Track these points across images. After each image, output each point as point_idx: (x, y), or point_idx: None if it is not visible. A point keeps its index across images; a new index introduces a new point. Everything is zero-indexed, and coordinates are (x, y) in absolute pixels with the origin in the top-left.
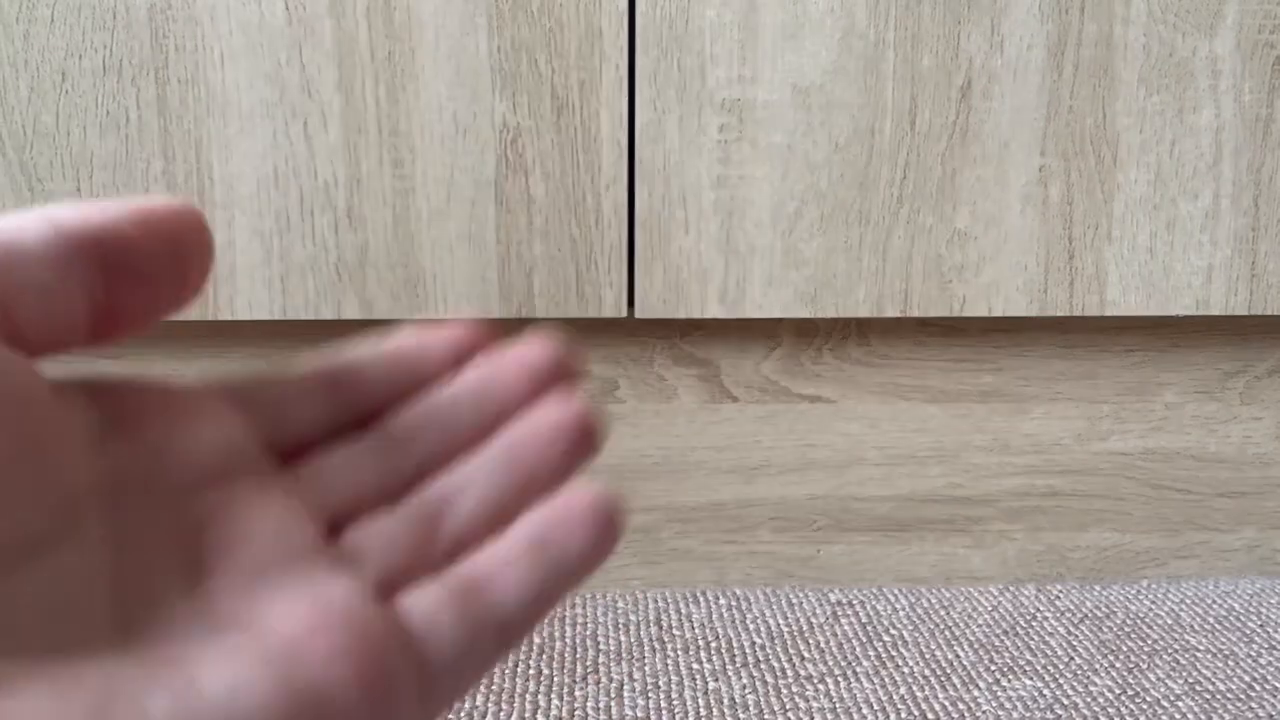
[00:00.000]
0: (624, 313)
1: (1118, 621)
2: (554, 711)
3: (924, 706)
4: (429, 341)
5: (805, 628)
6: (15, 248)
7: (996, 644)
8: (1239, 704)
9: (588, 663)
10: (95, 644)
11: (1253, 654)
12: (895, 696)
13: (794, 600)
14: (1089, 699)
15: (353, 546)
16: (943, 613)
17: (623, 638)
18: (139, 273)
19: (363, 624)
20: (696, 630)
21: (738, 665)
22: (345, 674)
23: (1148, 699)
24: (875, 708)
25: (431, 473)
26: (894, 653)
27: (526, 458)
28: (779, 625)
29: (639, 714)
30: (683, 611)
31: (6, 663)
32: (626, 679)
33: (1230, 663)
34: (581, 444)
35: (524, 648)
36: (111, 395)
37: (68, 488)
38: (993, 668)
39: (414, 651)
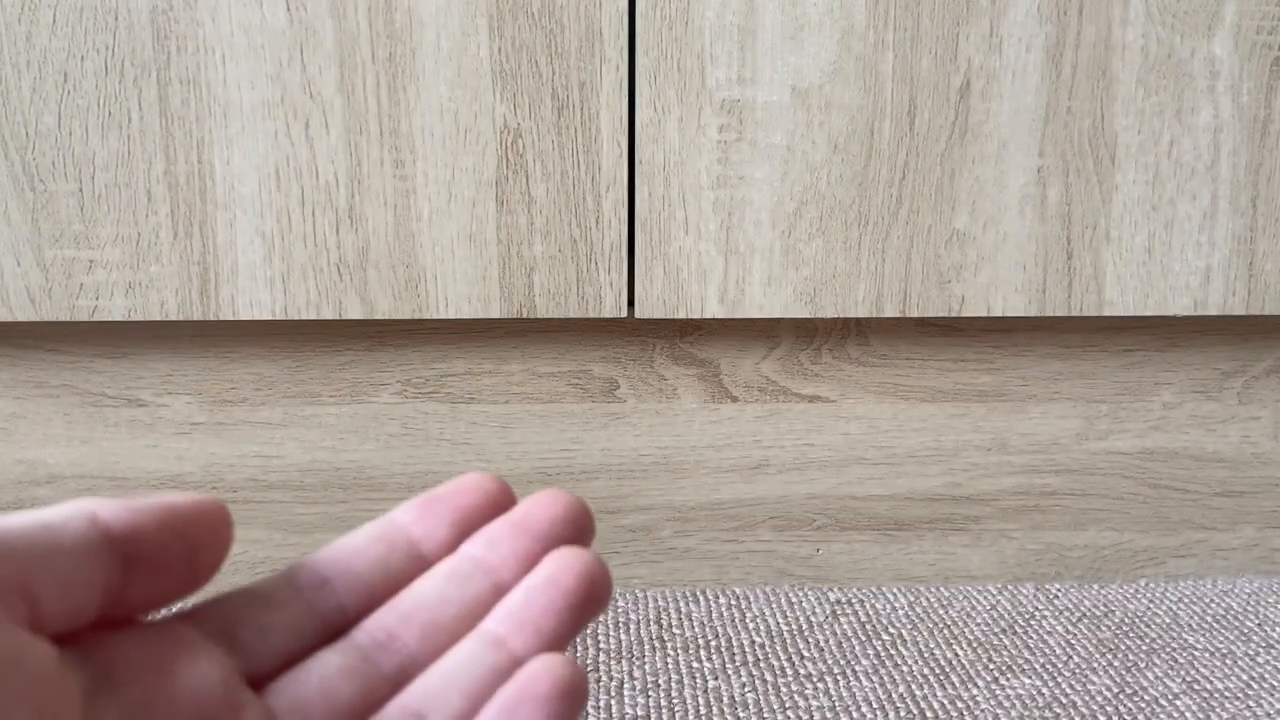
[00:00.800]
0: (624, 313)
1: (1116, 620)
2: None
3: (923, 705)
4: (424, 524)
5: (805, 626)
6: (55, 543)
7: (995, 643)
8: (1237, 702)
9: (587, 661)
10: None
11: (1250, 652)
12: (894, 695)
13: (793, 599)
14: (1087, 697)
15: None
16: (941, 612)
17: (622, 636)
18: (155, 568)
19: None
20: (696, 629)
21: (737, 664)
22: None
23: (1146, 697)
24: (874, 706)
25: (412, 676)
26: (893, 651)
27: (510, 643)
28: (778, 624)
29: (639, 712)
30: (682, 610)
31: None
32: (626, 677)
33: (1228, 661)
34: (583, 606)
35: None
36: (100, 650)
37: None
38: (991, 666)
39: None
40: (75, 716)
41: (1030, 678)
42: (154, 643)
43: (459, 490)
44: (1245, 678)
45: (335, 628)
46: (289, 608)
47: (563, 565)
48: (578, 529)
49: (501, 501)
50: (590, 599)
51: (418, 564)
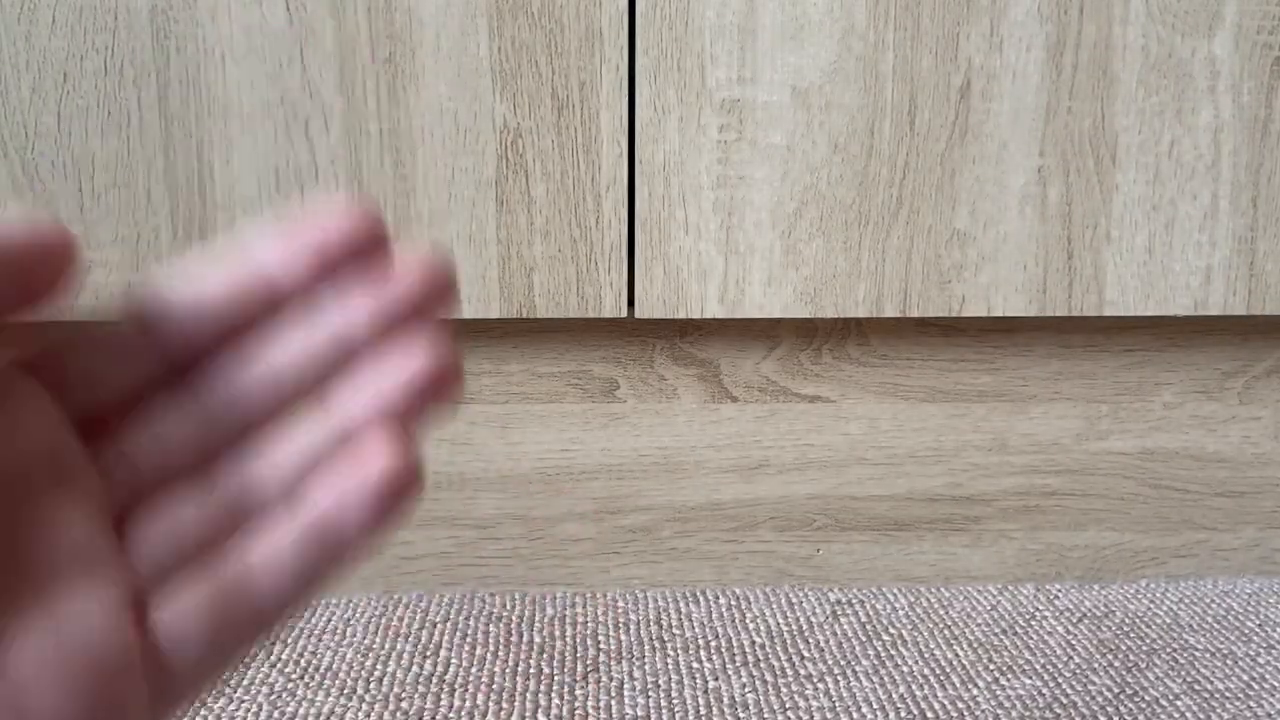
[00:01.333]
0: (624, 313)
1: (1116, 621)
2: (554, 710)
3: (923, 705)
4: (284, 261)
5: (805, 627)
6: None
7: (995, 643)
8: (1237, 703)
9: (588, 661)
10: None
11: (1251, 653)
12: (894, 695)
13: (794, 599)
14: (1087, 698)
15: (138, 541)
16: (942, 612)
17: (623, 637)
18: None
19: (100, 654)
20: (696, 629)
21: (738, 664)
22: (73, 708)
23: (1146, 698)
24: (875, 706)
25: (255, 431)
26: (893, 652)
27: (357, 423)
28: (779, 624)
29: (639, 713)
30: (683, 611)
31: None
32: (627, 678)
33: (1229, 662)
34: (428, 394)
35: (524, 647)
36: None
37: None
38: (991, 667)
39: (154, 667)
40: None
41: (1031, 678)
42: None
43: (326, 224)
44: (1246, 678)
45: (180, 369)
46: (130, 348)
47: (419, 358)
48: (442, 298)
49: (371, 240)
50: (440, 397)
51: (271, 306)
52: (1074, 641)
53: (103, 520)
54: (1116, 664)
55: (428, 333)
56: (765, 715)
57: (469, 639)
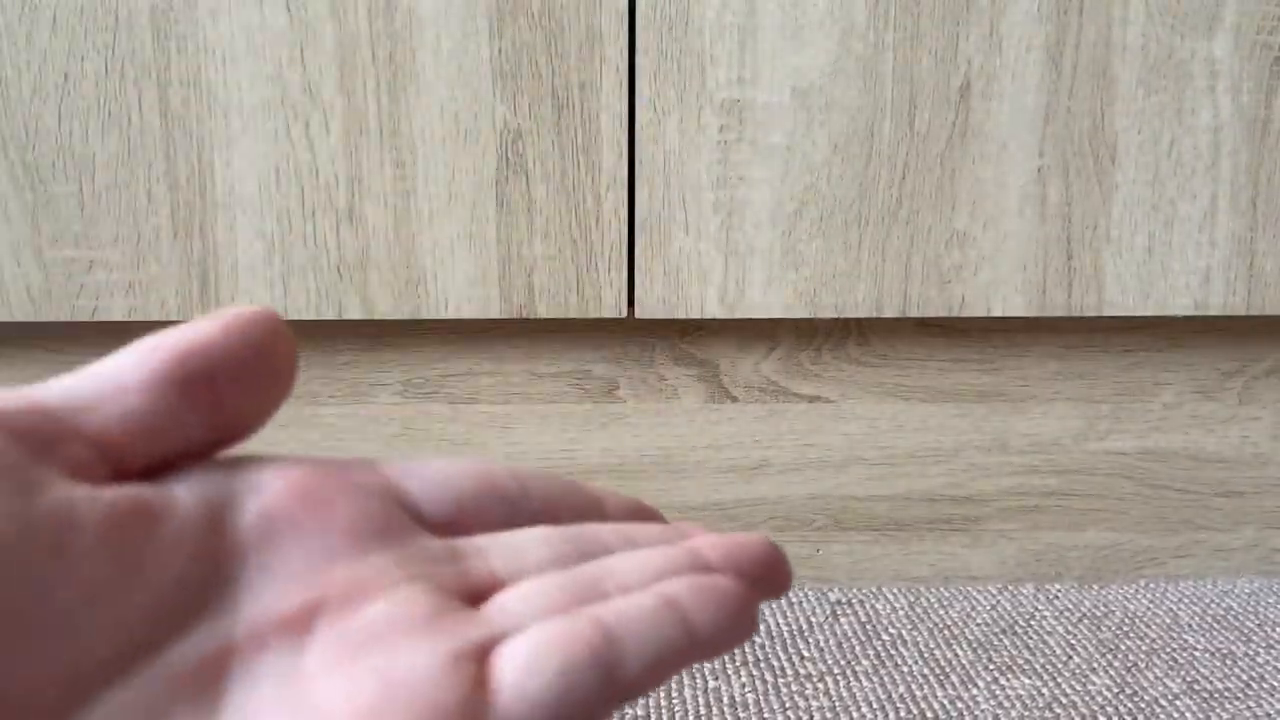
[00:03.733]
0: (624, 313)
1: (1116, 620)
2: None
3: (923, 705)
4: (610, 505)
5: (805, 627)
6: (114, 382)
7: (995, 643)
8: (1237, 702)
9: None
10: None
11: (1250, 653)
12: (894, 695)
13: (793, 599)
14: (1087, 698)
15: (493, 607)
16: (941, 612)
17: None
18: (239, 379)
19: (429, 700)
20: None
21: (737, 664)
22: None
23: (1146, 698)
24: (874, 706)
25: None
26: (893, 652)
27: (704, 558)
28: (778, 624)
29: (639, 712)
30: None
31: None
32: None
33: (1228, 662)
34: (768, 573)
35: None
36: (237, 470)
37: (161, 597)
38: (991, 667)
39: (491, 713)
40: (168, 563)
41: (1030, 678)
42: (307, 471)
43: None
44: (1245, 678)
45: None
46: (473, 475)
47: (757, 539)
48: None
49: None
50: (777, 570)
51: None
52: (1073, 641)
53: (447, 594)
54: (1116, 664)
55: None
56: (765, 715)
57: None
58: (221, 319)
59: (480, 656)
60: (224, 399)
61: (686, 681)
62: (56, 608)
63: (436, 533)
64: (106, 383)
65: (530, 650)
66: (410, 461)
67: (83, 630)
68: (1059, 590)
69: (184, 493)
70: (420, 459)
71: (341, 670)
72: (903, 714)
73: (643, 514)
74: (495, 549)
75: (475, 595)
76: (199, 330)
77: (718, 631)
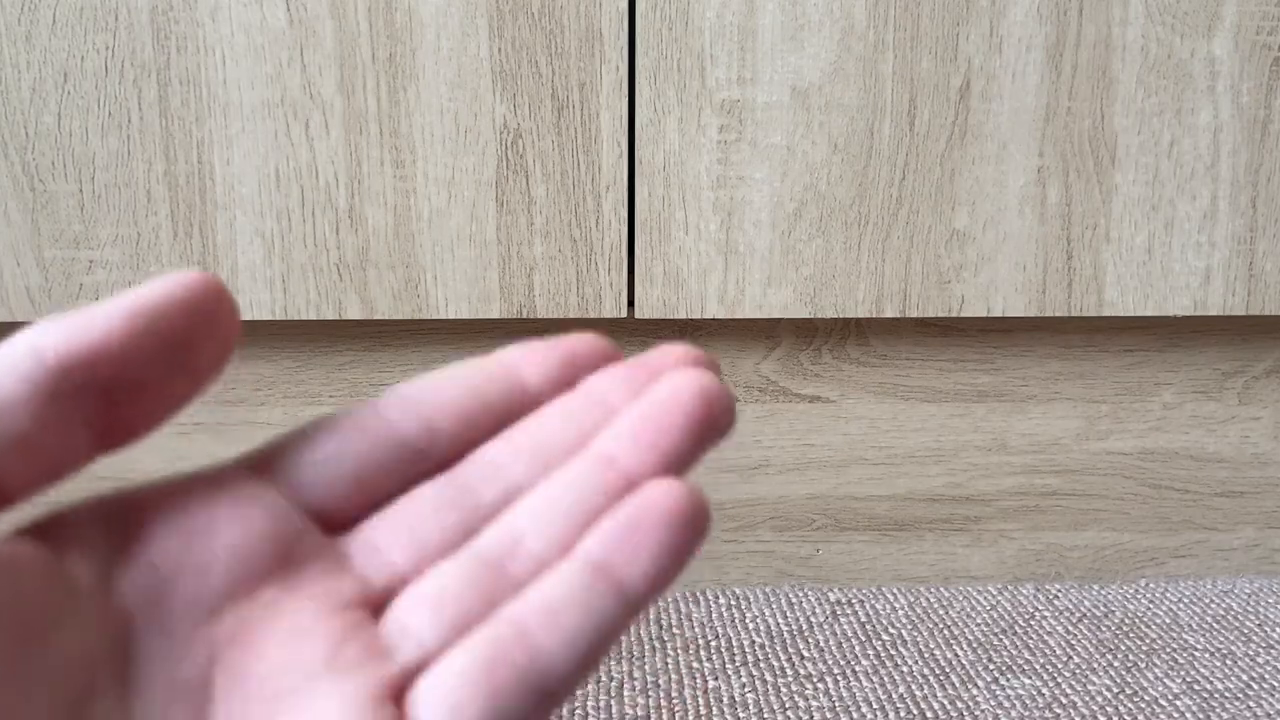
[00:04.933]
0: (624, 313)
1: (1116, 620)
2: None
3: (923, 705)
4: (532, 361)
5: (804, 627)
6: None
7: (995, 643)
8: (1237, 703)
9: None
10: None
11: (1250, 653)
12: (894, 695)
13: (793, 599)
14: (1087, 698)
15: (394, 626)
16: (941, 612)
17: (623, 636)
18: (139, 384)
19: None
20: (696, 629)
21: (737, 664)
22: None
23: (1146, 698)
24: (874, 706)
25: (516, 498)
26: (893, 652)
27: (621, 461)
28: (778, 624)
29: (639, 713)
30: (682, 610)
31: None
32: (626, 677)
33: (1228, 662)
34: (703, 427)
35: None
36: (121, 514)
37: (72, 660)
38: (991, 667)
39: None
40: (73, 612)
41: (1030, 678)
42: (186, 499)
43: (571, 341)
44: (1245, 678)
45: (428, 457)
46: (367, 433)
47: (681, 384)
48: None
49: (614, 359)
50: (709, 420)
51: (522, 398)
52: (1074, 641)
53: (345, 616)
54: (1116, 664)
55: (692, 372)
56: (765, 715)
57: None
58: (134, 307)
59: (396, 696)
60: (121, 408)
61: (687, 681)
62: None
63: (339, 496)
64: None
65: (451, 688)
66: (302, 437)
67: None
68: (1059, 590)
69: (76, 551)
70: (310, 428)
71: None
72: (903, 714)
73: (566, 358)
74: (388, 537)
75: (377, 602)
76: (92, 327)
77: (656, 582)
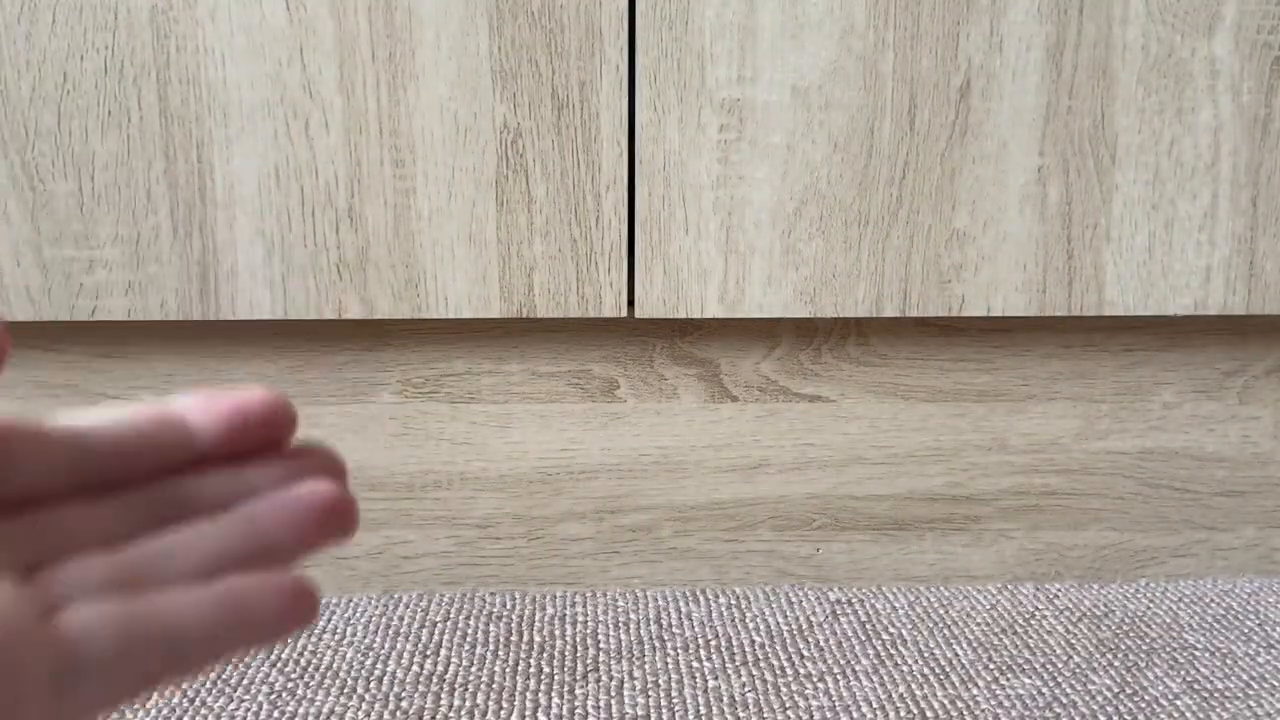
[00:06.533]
0: (624, 313)
1: (1116, 620)
2: (554, 710)
3: (923, 705)
4: (198, 417)
5: (804, 626)
6: None
7: (995, 643)
8: (1237, 702)
9: (588, 661)
10: None
11: (1251, 652)
12: (894, 695)
13: (793, 599)
14: (1087, 697)
15: (46, 579)
16: (941, 611)
17: (623, 636)
18: None
19: (5, 626)
20: (696, 629)
21: (737, 664)
22: None
23: (1146, 697)
24: (874, 706)
25: (162, 530)
26: (893, 651)
27: (266, 528)
28: (778, 624)
29: (639, 712)
30: (682, 610)
31: None
32: (627, 677)
33: (1228, 661)
34: (331, 524)
35: (524, 647)
36: None
37: None
38: (991, 666)
39: (57, 649)
40: None
41: (1030, 678)
42: None
43: (245, 397)
44: (1245, 678)
45: (91, 481)
46: (50, 452)
47: (321, 491)
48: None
49: (282, 423)
50: (338, 528)
51: (186, 448)
52: (1074, 641)
53: (12, 566)
54: (1116, 663)
55: (327, 473)
56: (765, 715)
57: (469, 639)
58: None
59: (45, 610)
60: None
61: (686, 681)
62: None
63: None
64: None
65: (88, 615)
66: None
67: None
68: (1059, 590)
69: None
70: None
71: None
72: (903, 714)
73: (236, 423)
74: (47, 528)
75: (28, 573)
76: None
77: (282, 621)
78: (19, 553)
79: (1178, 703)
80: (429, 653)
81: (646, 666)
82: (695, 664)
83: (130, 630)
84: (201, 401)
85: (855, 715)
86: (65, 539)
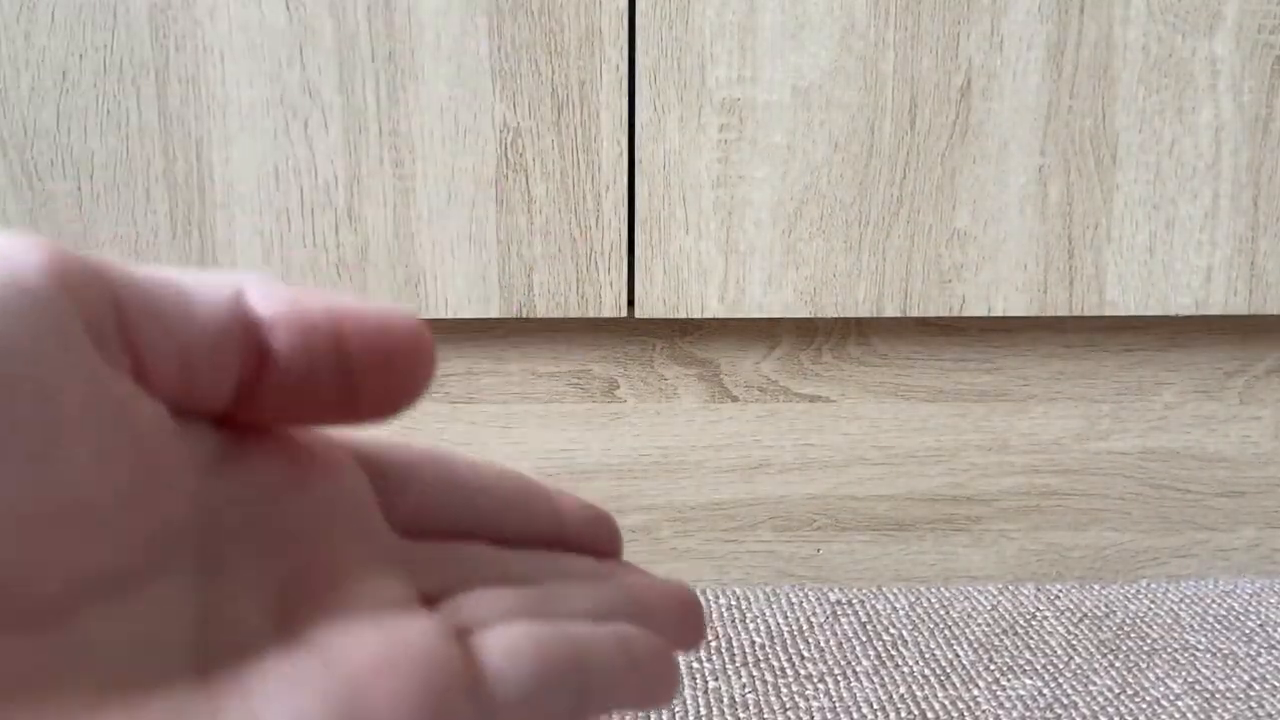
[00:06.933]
0: (624, 313)
1: (1117, 621)
2: None
3: (923, 705)
4: (566, 510)
5: (805, 627)
6: (184, 309)
7: (996, 643)
8: (1238, 703)
9: None
10: (174, 677)
11: (1252, 653)
12: (895, 695)
13: (794, 599)
14: (1088, 698)
15: (450, 605)
16: (942, 612)
17: None
18: (300, 379)
19: (432, 664)
20: None
21: (737, 664)
22: (406, 715)
23: (1147, 698)
24: (875, 707)
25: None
26: (893, 652)
27: (647, 600)
28: (779, 624)
29: (639, 712)
30: None
31: (89, 694)
32: None
33: (1229, 662)
34: (691, 625)
35: None
36: (237, 430)
37: (168, 522)
38: (992, 667)
39: (483, 694)
40: (186, 486)
41: (1031, 678)
42: (298, 444)
43: (597, 514)
44: (1247, 678)
45: (484, 529)
46: (459, 495)
47: (687, 597)
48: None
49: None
50: (694, 635)
51: (557, 527)
52: (1075, 641)
53: (409, 587)
54: (1117, 664)
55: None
56: (765, 715)
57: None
58: (332, 311)
59: (461, 631)
60: (283, 394)
61: (686, 681)
62: (107, 489)
63: (394, 519)
64: (166, 297)
65: (509, 641)
66: (376, 444)
67: (110, 528)
68: (1060, 590)
69: (199, 438)
70: (383, 442)
71: (340, 628)
72: (903, 714)
73: (599, 524)
74: (450, 559)
75: (431, 600)
76: (294, 307)
77: (657, 687)
78: (422, 579)
79: (1179, 703)
80: None
81: None
82: (695, 664)
83: (550, 655)
84: (568, 498)
85: (855, 716)
86: (471, 571)
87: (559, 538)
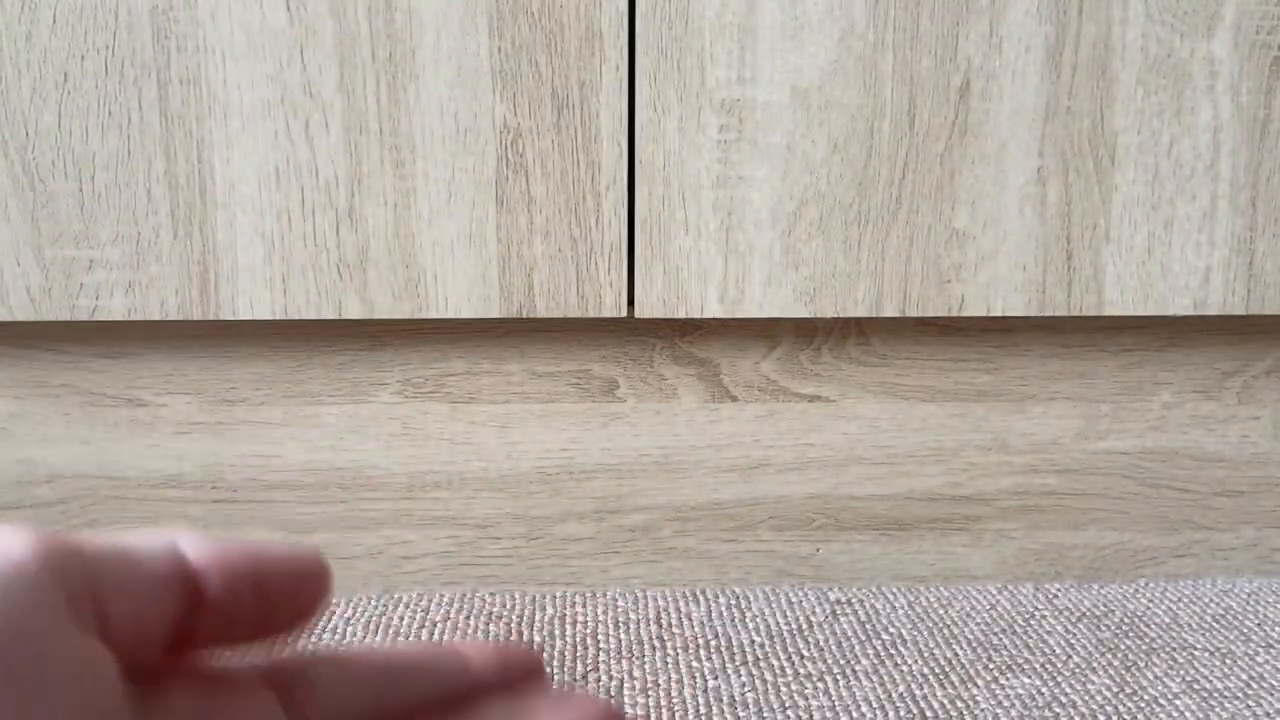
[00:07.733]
0: (624, 313)
1: (1116, 620)
2: None
3: (922, 705)
4: (474, 659)
5: (804, 626)
6: (130, 565)
7: (995, 642)
8: (1236, 702)
9: (588, 661)
10: None
11: (1250, 652)
12: (894, 695)
13: (793, 599)
14: (1087, 697)
15: None
16: (941, 611)
17: (623, 636)
18: (225, 612)
19: None
20: (696, 629)
21: (737, 664)
22: None
23: (1145, 697)
24: (874, 706)
25: None
26: (893, 651)
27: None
28: (778, 624)
29: (639, 712)
30: (682, 610)
31: None
32: (626, 677)
33: (1228, 661)
34: None
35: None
36: (154, 679)
37: None
38: (991, 666)
39: None
40: None
41: (1030, 677)
42: (210, 682)
43: (508, 649)
44: (1245, 677)
45: (396, 706)
46: (355, 685)
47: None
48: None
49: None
50: None
51: (467, 677)
52: (1073, 641)
53: None
54: (1116, 663)
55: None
56: (765, 715)
57: (469, 639)
58: (251, 555)
59: None
60: (212, 628)
61: (686, 681)
62: None
63: None
64: (116, 558)
65: None
66: (276, 659)
67: None
68: (1059, 590)
69: (130, 690)
70: (281, 656)
71: None
72: (902, 713)
73: (510, 659)
74: None
75: None
76: (221, 554)
77: None
78: None
79: (1177, 702)
80: None
81: (646, 666)
82: (695, 664)
83: None
84: (473, 645)
85: (855, 715)
86: None
87: (476, 685)
